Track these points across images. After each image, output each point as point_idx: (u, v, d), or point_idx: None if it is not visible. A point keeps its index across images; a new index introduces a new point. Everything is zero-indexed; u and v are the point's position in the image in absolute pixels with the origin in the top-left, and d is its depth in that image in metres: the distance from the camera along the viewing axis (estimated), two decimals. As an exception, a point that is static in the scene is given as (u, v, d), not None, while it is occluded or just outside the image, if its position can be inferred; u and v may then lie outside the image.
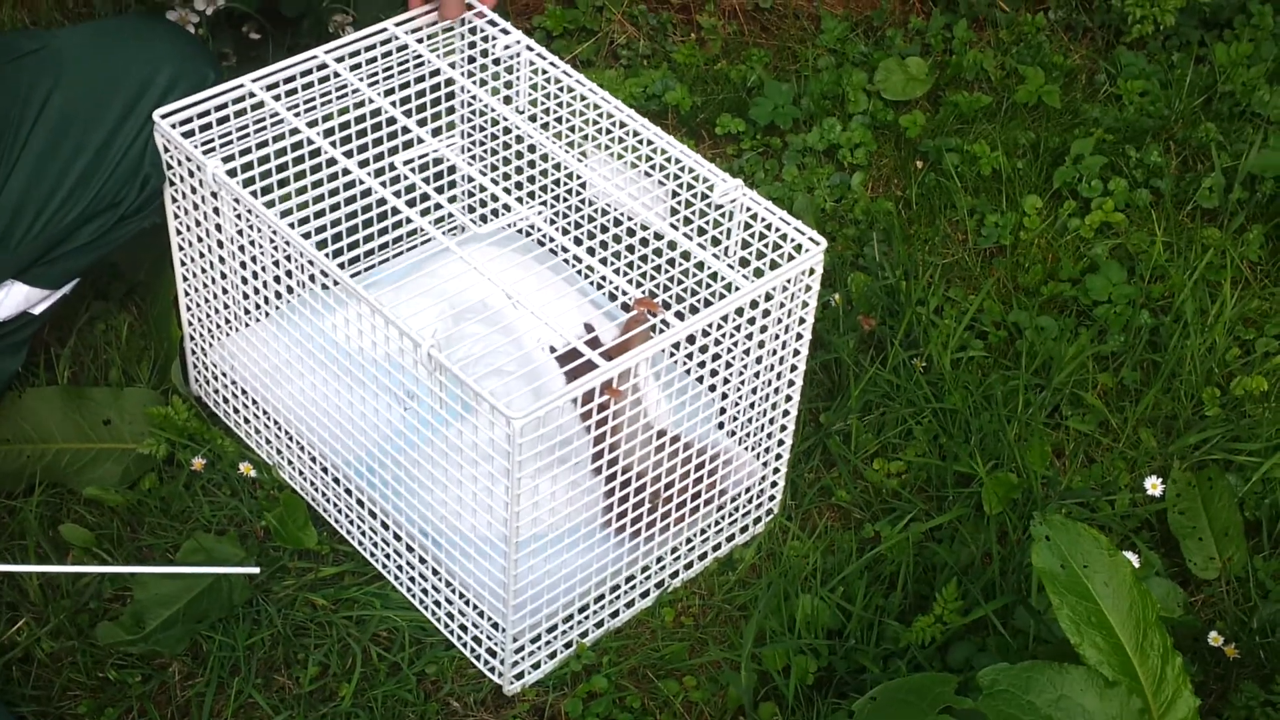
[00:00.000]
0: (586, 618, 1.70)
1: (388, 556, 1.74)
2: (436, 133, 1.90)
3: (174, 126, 1.67)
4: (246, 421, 1.85)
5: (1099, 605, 1.44)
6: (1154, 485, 1.81)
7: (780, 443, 1.76)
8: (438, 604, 1.71)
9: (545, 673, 1.68)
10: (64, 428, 1.80)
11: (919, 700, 1.42)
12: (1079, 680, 1.39)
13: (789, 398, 1.72)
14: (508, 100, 1.83)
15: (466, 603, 1.67)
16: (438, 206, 1.94)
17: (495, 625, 1.64)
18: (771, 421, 1.73)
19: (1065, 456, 1.91)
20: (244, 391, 1.82)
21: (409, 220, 1.88)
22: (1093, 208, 2.22)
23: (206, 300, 1.80)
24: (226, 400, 1.87)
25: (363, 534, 1.76)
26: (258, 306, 1.73)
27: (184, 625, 1.68)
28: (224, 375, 1.84)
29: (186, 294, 1.83)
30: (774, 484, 1.80)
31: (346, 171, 1.74)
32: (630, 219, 1.73)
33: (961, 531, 1.79)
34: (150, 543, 1.77)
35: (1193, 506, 1.80)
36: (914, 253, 2.15)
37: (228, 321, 1.80)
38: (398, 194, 1.73)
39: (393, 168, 1.67)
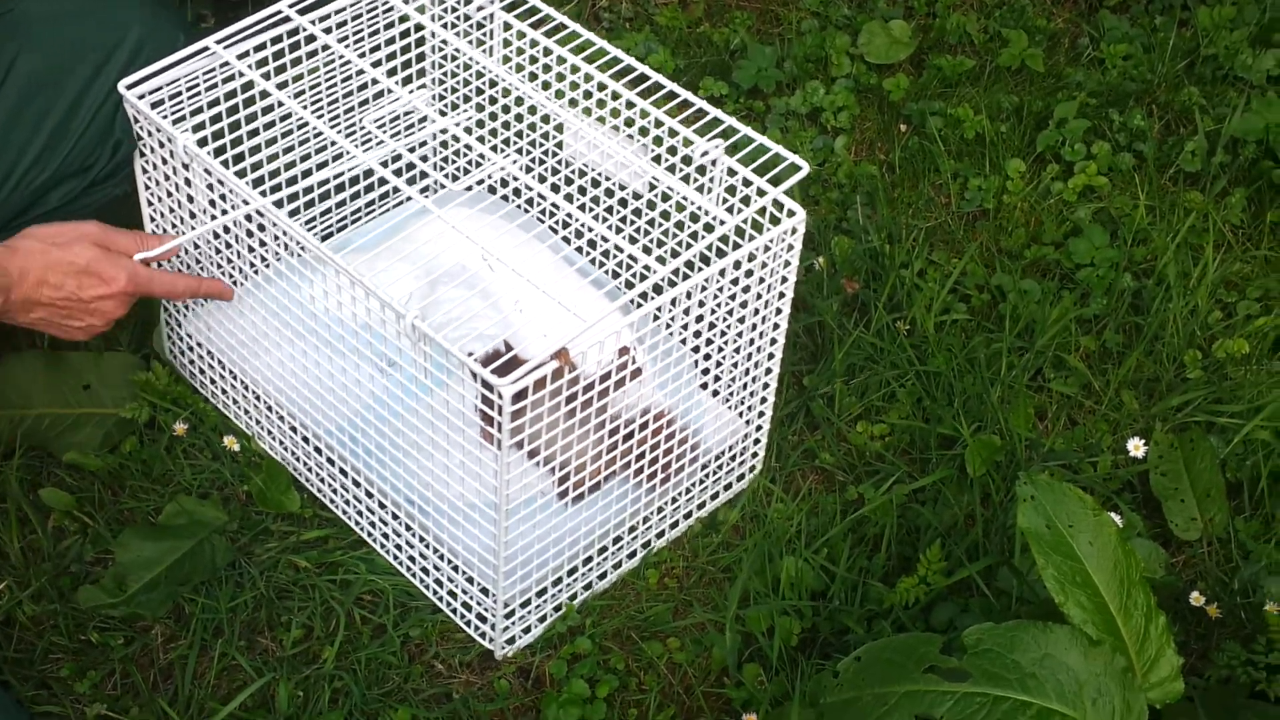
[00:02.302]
0: (575, 580, 1.70)
1: (372, 524, 1.74)
2: (407, 82, 1.88)
3: (141, 97, 1.64)
4: (224, 392, 1.84)
5: (1083, 565, 1.44)
6: (1136, 447, 1.82)
7: (763, 400, 1.76)
8: (425, 570, 1.71)
9: (535, 637, 1.68)
10: (44, 393, 1.79)
11: (904, 659, 1.43)
12: (1063, 639, 1.39)
13: (771, 355, 1.72)
14: (480, 44, 1.82)
15: (455, 569, 1.67)
16: (410, 166, 1.93)
17: (484, 591, 1.64)
18: (754, 380, 1.73)
19: (1048, 419, 1.92)
20: (220, 363, 1.81)
21: (383, 181, 1.87)
22: (1076, 171, 2.22)
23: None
24: (203, 371, 1.85)
25: (345, 502, 1.76)
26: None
27: (166, 588, 1.67)
28: (199, 345, 1.83)
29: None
30: (756, 441, 1.80)
31: (319, 133, 1.73)
32: (609, 179, 1.72)
33: (945, 493, 1.79)
34: (132, 506, 1.76)
35: (1174, 468, 1.81)
36: (897, 216, 2.14)
37: None
38: (368, 150, 1.72)
39: (364, 127, 1.67)
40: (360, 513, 1.74)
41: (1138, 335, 2.00)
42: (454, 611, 1.69)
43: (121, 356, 1.84)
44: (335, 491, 1.76)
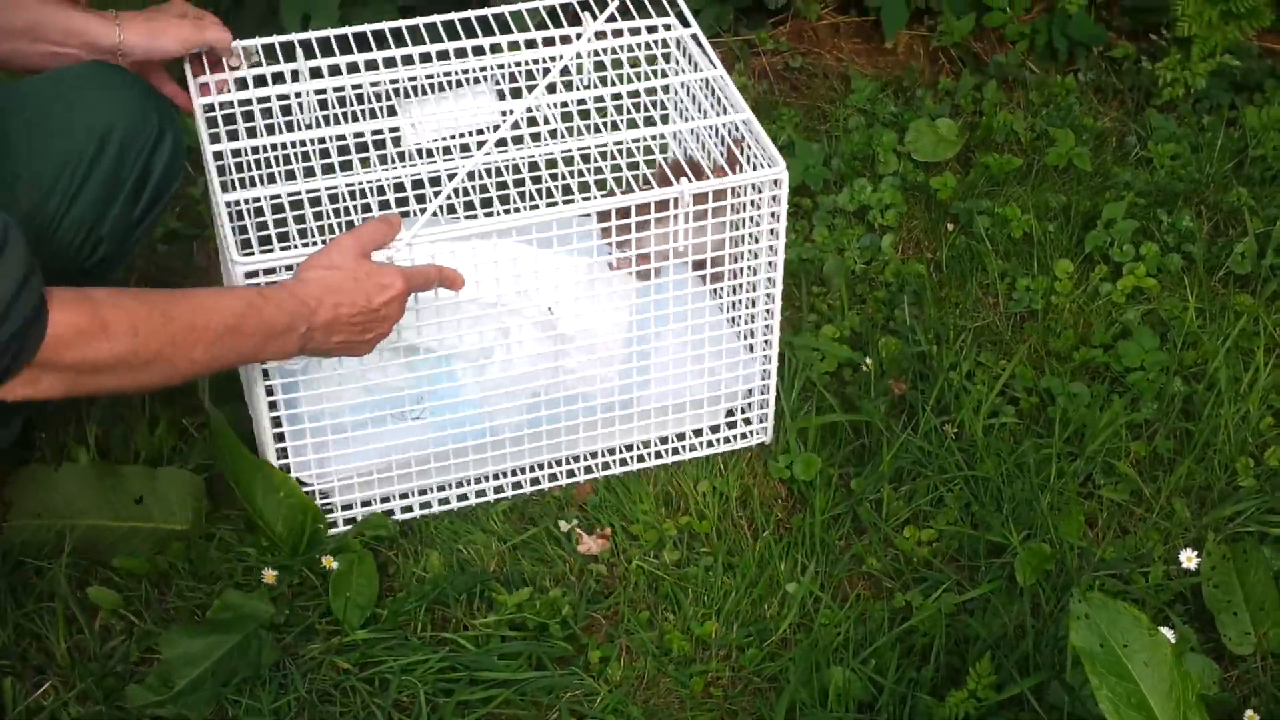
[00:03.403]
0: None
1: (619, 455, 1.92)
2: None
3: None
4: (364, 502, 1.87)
5: (1139, 685, 1.42)
6: (1189, 558, 1.79)
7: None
8: (678, 436, 1.93)
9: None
10: (96, 504, 1.79)
11: (954, 779, 1.41)
12: (1117, 762, 1.37)
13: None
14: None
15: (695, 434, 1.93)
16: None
17: (728, 423, 1.95)
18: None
19: (1098, 526, 1.90)
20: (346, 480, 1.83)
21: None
22: (1124, 273, 2.21)
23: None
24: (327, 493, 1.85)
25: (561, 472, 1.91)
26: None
27: (211, 686, 1.67)
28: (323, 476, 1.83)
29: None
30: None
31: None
32: (465, 133, 1.81)
33: (994, 603, 1.78)
34: (178, 605, 1.76)
35: (1228, 580, 1.78)
36: (945, 316, 2.14)
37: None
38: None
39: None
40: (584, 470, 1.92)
41: (1189, 441, 1.98)
42: (726, 440, 1.95)
43: (174, 472, 1.83)
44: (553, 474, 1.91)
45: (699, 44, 1.91)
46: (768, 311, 1.87)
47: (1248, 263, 2.22)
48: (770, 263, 1.83)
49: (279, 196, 1.72)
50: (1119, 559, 1.83)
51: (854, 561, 1.85)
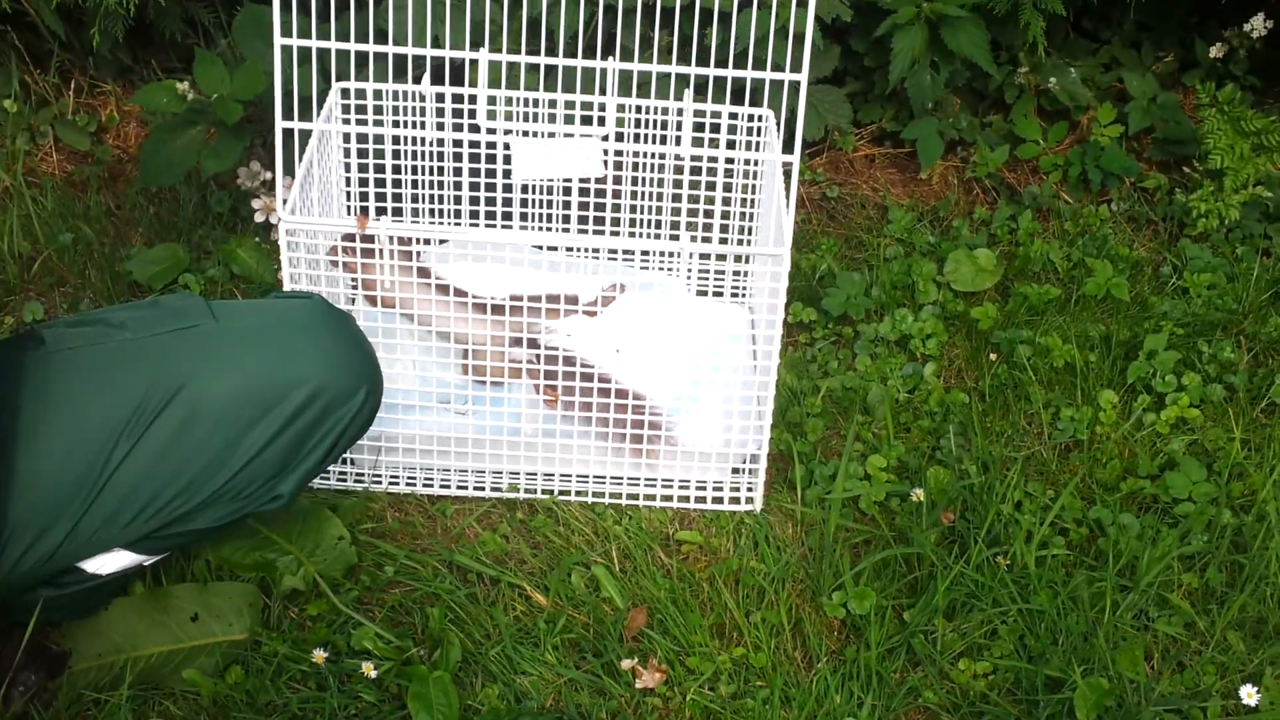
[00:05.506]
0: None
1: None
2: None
3: None
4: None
5: (1215, 828, 1.41)
6: (1249, 694, 1.79)
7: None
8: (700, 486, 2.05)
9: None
10: (153, 631, 1.78)
11: None
12: None
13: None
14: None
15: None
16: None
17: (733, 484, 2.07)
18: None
19: (1154, 659, 1.89)
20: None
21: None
22: (1168, 403, 2.22)
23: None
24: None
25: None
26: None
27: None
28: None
29: None
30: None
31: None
32: (570, 179, 2.06)
33: (1055, 738, 1.77)
34: (235, 738, 1.75)
35: (1288, 716, 1.78)
36: (991, 446, 2.15)
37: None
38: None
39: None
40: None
41: (1240, 574, 1.98)
42: (717, 500, 2.06)
43: (226, 585, 1.84)
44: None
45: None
46: (763, 383, 2.00)
47: (1290, 394, 2.24)
48: (769, 336, 1.95)
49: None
50: (1177, 695, 1.83)
51: (910, 695, 1.84)
